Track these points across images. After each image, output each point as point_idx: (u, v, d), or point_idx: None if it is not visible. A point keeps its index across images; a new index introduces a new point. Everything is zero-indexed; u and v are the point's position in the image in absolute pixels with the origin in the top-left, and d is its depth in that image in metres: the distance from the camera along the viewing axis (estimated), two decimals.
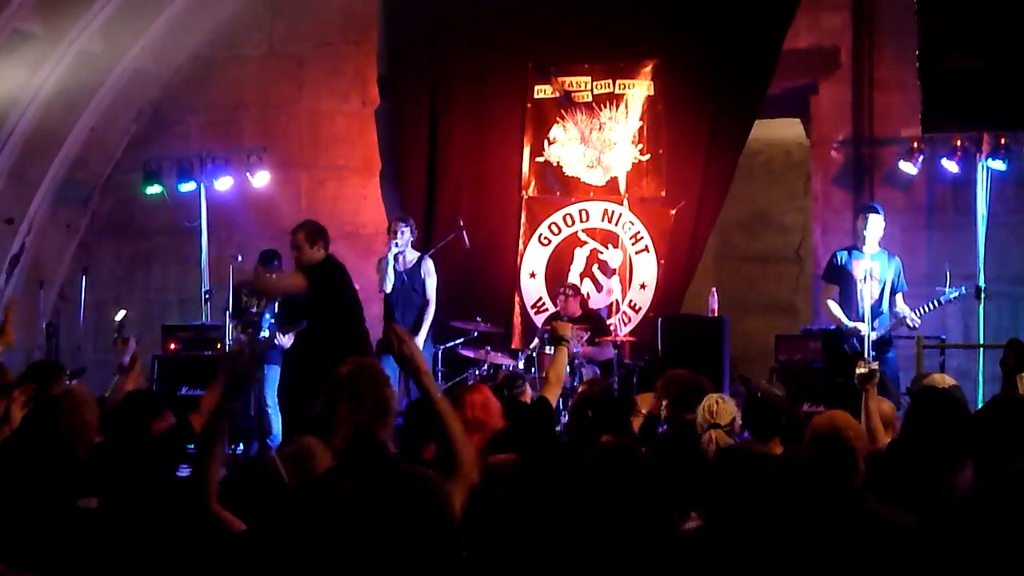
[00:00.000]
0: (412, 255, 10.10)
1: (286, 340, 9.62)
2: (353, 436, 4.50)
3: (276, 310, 9.56)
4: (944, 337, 9.81)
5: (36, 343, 11.53)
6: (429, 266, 10.10)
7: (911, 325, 8.96)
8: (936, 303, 9.06)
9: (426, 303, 10.02)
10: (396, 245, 9.95)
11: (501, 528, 4.16)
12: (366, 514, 2.85)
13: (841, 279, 9.26)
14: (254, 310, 9.70)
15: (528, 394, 7.36)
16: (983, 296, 9.74)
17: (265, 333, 9.74)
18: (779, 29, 10.43)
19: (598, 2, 11.07)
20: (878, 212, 9.29)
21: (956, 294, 9.08)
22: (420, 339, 9.79)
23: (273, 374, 9.77)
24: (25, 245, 11.85)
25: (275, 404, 9.63)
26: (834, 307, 9.21)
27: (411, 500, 2.82)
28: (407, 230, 10.04)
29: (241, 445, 9.55)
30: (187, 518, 3.87)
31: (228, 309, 10.06)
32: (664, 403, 6.15)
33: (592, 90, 11.11)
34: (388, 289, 9.94)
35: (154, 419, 5.29)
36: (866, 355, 8.61)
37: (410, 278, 10.01)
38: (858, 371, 5.83)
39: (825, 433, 4.23)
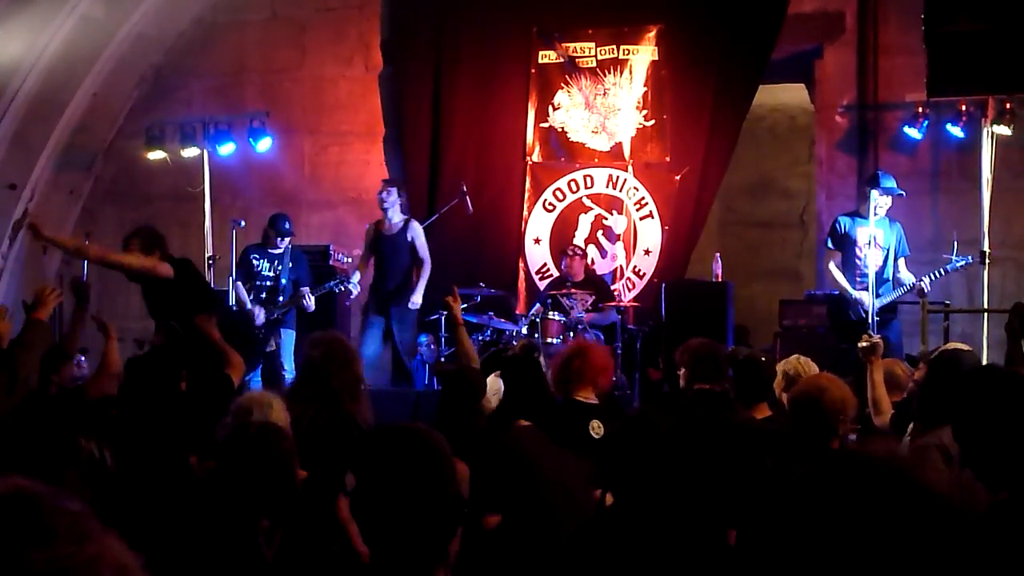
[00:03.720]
0: (399, 218, 10.14)
1: (312, 303, 9.66)
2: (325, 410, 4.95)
3: (291, 273, 9.75)
4: (948, 302, 9.80)
5: None
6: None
7: (923, 290, 8.94)
8: (943, 271, 9.05)
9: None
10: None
11: None
12: (372, 470, 2.86)
13: (844, 245, 9.25)
14: (267, 273, 9.77)
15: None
16: (987, 261, 9.73)
17: (281, 298, 9.79)
18: None
19: None
20: (889, 193, 9.23)
21: (963, 263, 9.07)
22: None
23: (289, 339, 9.80)
24: (28, 211, 11.83)
25: (291, 368, 9.62)
26: (837, 274, 9.19)
27: (413, 456, 2.82)
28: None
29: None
30: None
31: (232, 275, 10.06)
32: (682, 372, 6.15)
33: (596, 55, 11.06)
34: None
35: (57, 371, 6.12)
36: (870, 324, 8.60)
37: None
38: (861, 344, 5.80)
39: (810, 392, 4.32)
